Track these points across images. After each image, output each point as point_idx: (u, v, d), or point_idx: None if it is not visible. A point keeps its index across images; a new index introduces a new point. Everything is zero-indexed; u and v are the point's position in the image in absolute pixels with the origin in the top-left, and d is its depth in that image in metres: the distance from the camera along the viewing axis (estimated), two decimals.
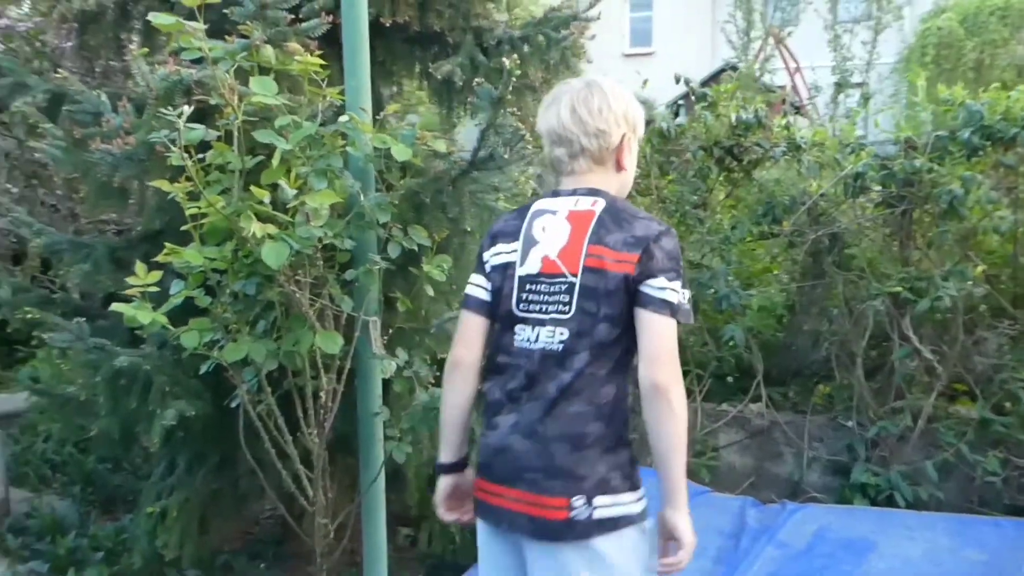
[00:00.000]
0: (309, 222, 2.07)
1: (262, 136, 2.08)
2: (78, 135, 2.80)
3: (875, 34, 10.61)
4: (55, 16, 3.31)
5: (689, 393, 4.35)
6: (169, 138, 2.05)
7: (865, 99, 5.06)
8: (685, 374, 4.17)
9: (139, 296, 2.08)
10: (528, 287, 1.79)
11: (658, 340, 1.65)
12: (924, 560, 3.01)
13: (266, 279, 2.15)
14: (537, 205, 1.85)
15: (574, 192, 1.81)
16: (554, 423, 1.70)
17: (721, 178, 4.44)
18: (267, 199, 2.03)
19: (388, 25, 3.06)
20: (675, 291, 1.67)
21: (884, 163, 3.77)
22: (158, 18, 1.99)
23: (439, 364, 2.73)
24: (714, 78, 12.41)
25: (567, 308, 1.73)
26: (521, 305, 1.78)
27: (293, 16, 2.57)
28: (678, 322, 1.67)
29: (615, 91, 1.82)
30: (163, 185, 2.08)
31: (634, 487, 1.71)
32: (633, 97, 1.85)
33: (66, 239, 3.06)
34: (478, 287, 1.87)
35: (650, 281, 1.67)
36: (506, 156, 2.47)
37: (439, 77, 3.00)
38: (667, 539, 1.68)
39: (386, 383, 2.59)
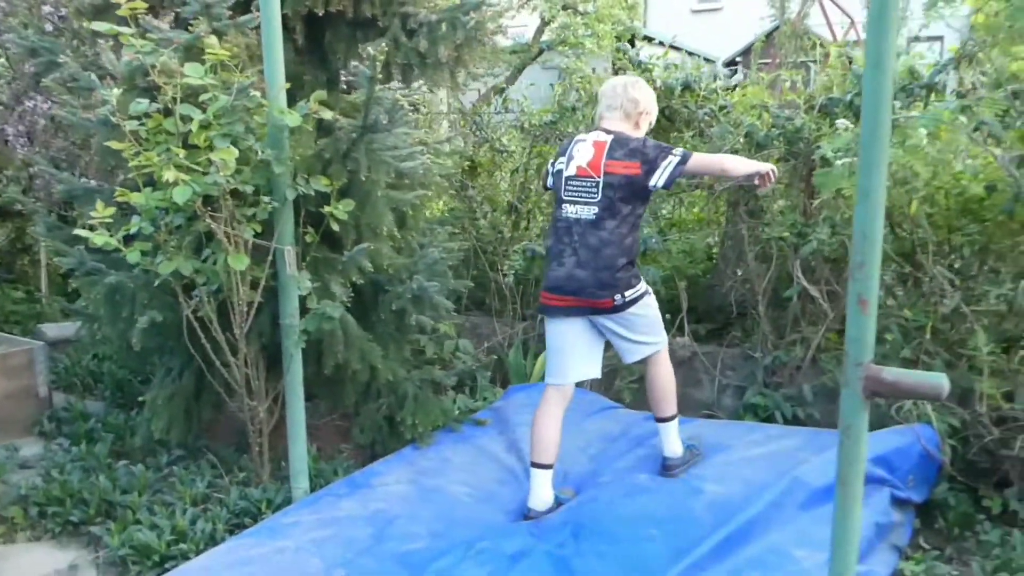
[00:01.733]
0: (218, 172, 2.81)
1: (184, 109, 2.82)
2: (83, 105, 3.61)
3: None
4: (75, 6, 4.11)
5: None
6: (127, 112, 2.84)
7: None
8: None
9: (99, 225, 2.86)
10: (569, 183, 3.36)
11: (703, 165, 3.39)
12: (757, 454, 3.60)
13: (192, 215, 2.91)
14: (578, 136, 3.47)
15: (599, 130, 3.38)
16: (599, 260, 3.24)
17: (658, 136, 5.00)
18: (184, 155, 2.77)
19: (332, 14, 3.75)
20: (672, 158, 3.25)
21: (778, 124, 4.28)
22: (98, 24, 2.74)
23: (353, 286, 3.48)
24: (769, 36, 12.63)
25: (595, 195, 3.28)
26: (566, 193, 3.37)
27: (231, 12, 3.31)
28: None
29: (646, 88, 3.45)
30: (115, 145, 2.85)
31: (640, 282, 3.37)
32: (653, 96, 3.49)
33: (81, 186, 3.89)
34: (546, 178, 3.64)
35: (659, 168, 3.23)
36: (387, 122, 3.14)
37: (367, 56, 3.67)
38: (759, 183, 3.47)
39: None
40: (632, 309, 3.35)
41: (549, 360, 3.55)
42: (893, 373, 1.77)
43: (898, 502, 3.27)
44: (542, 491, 3.34)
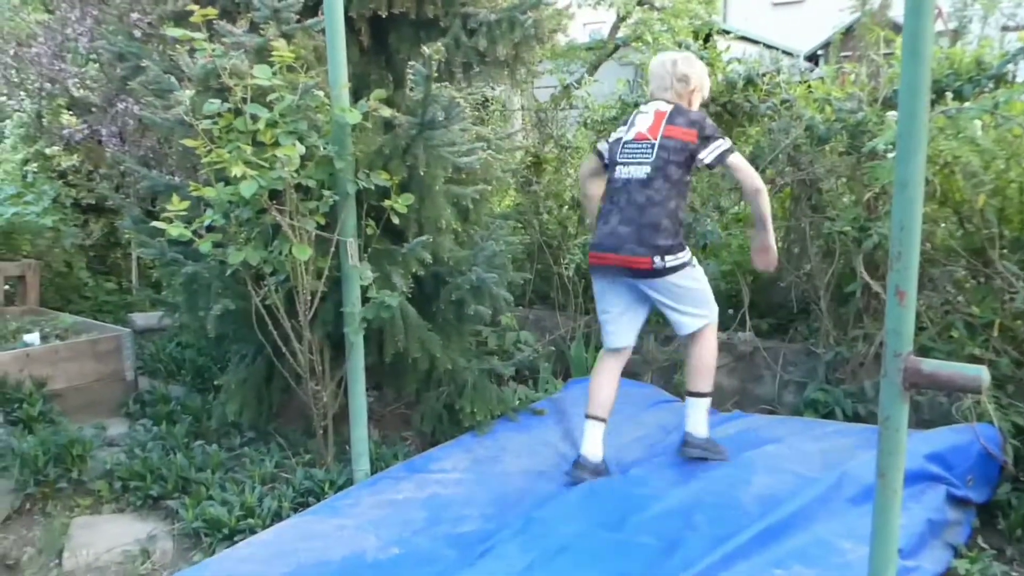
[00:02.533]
0: (283, 168, 2.97)
1: (252, 109, 2.99)
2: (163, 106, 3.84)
3: None
4: (158, 13, 4.37)
5: None
6: (201, 112, 3.03)
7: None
8: None
9: (175, 217, 3.06)
10: (626, 147, 3.52)
11: (742, 166, 3.42)
12: (811, 449, 3.59)
13: (258, 208, 3.08)
14: (640, 108, 3.62)
15: (659, 100, 3.55)
16: (643, 217, 3.35)
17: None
18: (250, 152, 2.94)
19: (395, 15, 3.90)
20: (723, 142, 3.41)
21: (841, 117, 4.24)
22: (172, 30, 2.93)
23: (414, 277, 3.62)
24: (851, 28, 12.36)
25: (649, 156, 3.41)
26: (621, 156, 3.53)
27: (299, 15, 3.48)
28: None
29: (696, 62, 3.58)
30: (188, 142, 3.04)
31: (684, 251, 3.40)
32: (705, 70, 3.63)
33: (163, 181, 4.13)
34: (601, 145, 3.76)
35: (711, 146, 3.38)
36: (443, 119, 3.26)
37: (424, 56, 3.79)
38: (761, 251, 3.54)
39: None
40: (673, 278, 3.40)
41: (602, 325, 3.73)
42: (931, 364, 1.78)
43: (955, 500, 3.23)
44: (592, 441, 3.55)
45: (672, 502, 3.21)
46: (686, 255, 3.43)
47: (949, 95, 3.87)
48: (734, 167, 3.42)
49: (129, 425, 4.37)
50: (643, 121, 3.51)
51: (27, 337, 4.68)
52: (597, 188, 3.79)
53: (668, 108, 3.47)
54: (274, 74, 3.08)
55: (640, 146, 3.47)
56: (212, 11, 3.01)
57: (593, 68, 13.02)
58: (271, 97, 3.07)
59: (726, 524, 2.95)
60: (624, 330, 3.64)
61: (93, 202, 6.80)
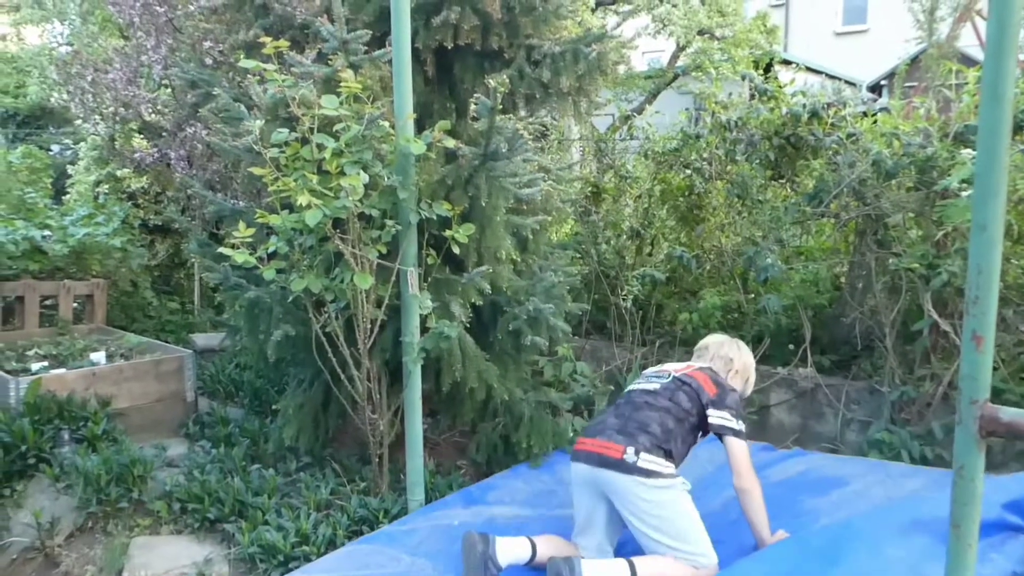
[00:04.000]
0: (348, 197, 3.00)
1: (318, 138, 3.03)
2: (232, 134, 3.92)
3: None
4: (229, 43, 4.47)
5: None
6: (269, 141, 3.08)
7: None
8: (741, 338, 4.79)
9: (241, 244, 3.11)
10: (645, 374, 3.45)
11: (738, 456, 3.10)
12: (878, 494, 3.48)
13: (322, 236, 3.12)
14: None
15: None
16: (635, 416, 3.09)
17: (785, 164, 4.94)
18: (316, 180, 2.98)
19: (460, 46, 3.93)
20: (736, 421, 3.13)
21: (910, 151, 4.15)
22: (245, 62, 2.99)
23: (473, 307, 3.62)
24: (916, 59, 12.14)
25: (665, 379, 3.27)
26: (637, 382, 3.37)
27: (366, 47, 3.53)
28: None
29: (745, 351, 3.55)
30: (256, 171, 3.09)
31: (669, 469, 2.97)
32: (752, 362, 3.56)
33: (228, 207, 4.21)
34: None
35: (723, 411, 3.14)
36: (506, 150, 3.27)
37: (489, 87, 3.81)
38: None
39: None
40: (645, 481, 2.89)
41: None
42: (1010, 413, 1.72)
43: None
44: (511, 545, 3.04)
45: (732, 541, 3.13)
46: (670, 472, 2.95)
47: None
48: (730, 450, 3.06)
49: (188, 446, 4.43)
50: (672, 366, 3.40)
51: (94, 356, 4.79)
52: None
53: (700, 365, 3.34)
54: (341, 104, 3.12)
55: (657, 372, 3.36)
56: (283, 43, 3.07)
57: (652, 96, 13.01)
58: (338, 127, 3.10)
59: (790, 568, 2.86)
60: (585, 535, 3.14)
61: (159, 223, 6.98)
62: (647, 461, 2.92)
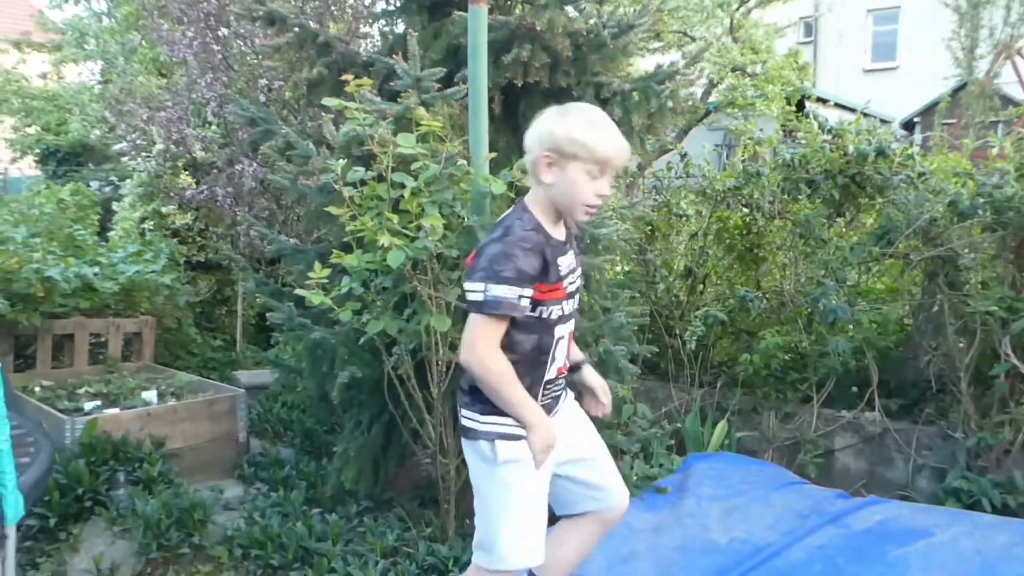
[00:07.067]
0: (427, 237, 2.94)
1: (397, 177, 2.98)
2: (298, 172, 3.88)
3: None
4: (292, 80, 4.45)
5: (807, 399, 4.82)
6: (345, 179, 3.03)
7: None
8: (803, 381, 4.67)
9: (316, 285, 3.04)
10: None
11: (470, 328, 2.16)
12: (966, 547, 3.34)
13: (400, 277, 3.05)
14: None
15: None
16: None
17: (848, 203, 4.85)
18: (396, 220, 2.91)
19: (529, 84, 3.88)
20: (474, 291, 2.13)
21: (985, 192, 4.05)
22: (329, 101, 2.95)
23: None
24: (954, 94, 12.08)
25: None
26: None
27: (440, 85, 3.49)
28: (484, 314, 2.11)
29: (543, 119, 2.23)
30: (333, 210, 3.04)
31: (494, 409, 2.21)
32: (559, 123, 2.17)
33: (289, 245, 4.16)
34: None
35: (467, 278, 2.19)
36: None
37: None
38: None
39: None
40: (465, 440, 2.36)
41: None
42: None
43: None
44: None
45: None
46: (488, 426, 2.25)
47: None
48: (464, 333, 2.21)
49: (243, 488, 4.34)
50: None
51: (145, 395, 4.73)
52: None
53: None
54: (417, 142, 3.07)
55: None
56: (367, 81, 3.03)
57: (683, 133, 12.99)
58: (415, 166, 3.04)
59: None
60: None
61: (202, 260, 6.96)
62: (466, 417, 2.32)
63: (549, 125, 2.20)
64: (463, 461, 3.57)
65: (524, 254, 2.12)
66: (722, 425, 4.71)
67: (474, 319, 2.16)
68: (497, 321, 2.14)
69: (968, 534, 3.49)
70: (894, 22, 23.69)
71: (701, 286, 5.59)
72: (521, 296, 2.13)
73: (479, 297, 2.12)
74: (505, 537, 2.25)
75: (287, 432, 5.31)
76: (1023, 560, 3.16)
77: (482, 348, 2.15)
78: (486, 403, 2.22)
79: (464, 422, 2.33)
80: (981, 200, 4.03)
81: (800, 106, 13.21)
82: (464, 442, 2.36)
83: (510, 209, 2.35)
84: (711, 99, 13.21)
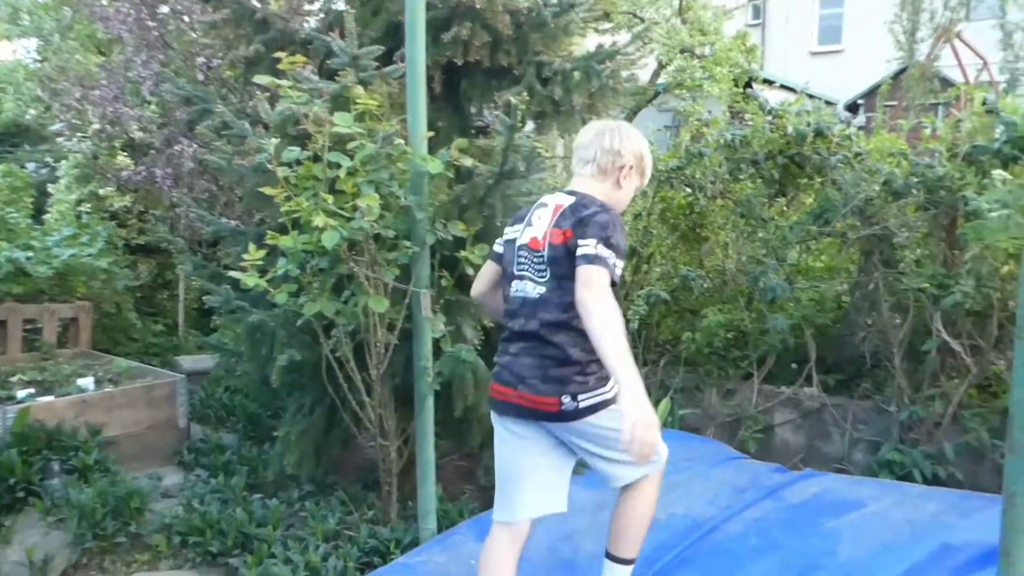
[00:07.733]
0: (363, 218, 2.91)
1: (333, 157, 2.94)
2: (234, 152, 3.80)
3: None
4: (230, 58, 4.35)
5: (748, 376, 4.89)
6: (279, 159, 2.98)
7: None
8: (744, 358, 4.69)
9: (252, 267, 2.99)
10: (520, 255, 2.52)
11: (584, 275, 2.27)
12: (897, 517, 3.43)
13: (336, 258, 3.01)
14: (540, 200, 2.59)
15: (564, 192, 2.53)
16: (546, 348, 2.40)
17: (788, 183, 4.92)
18: (331, 201, 2.88)
19: (470, 63, 3.85)
20: (605, 250, 2.28)
21: (918, 171, 4.13)
22: (262, 78, 2.89)
23: (484, 329, 3.53)
24: (896, 77, 12.28)
25: (544, 272, 2.43)
26: (516, 267, 2.53)
27: (379, 63, 3.44)
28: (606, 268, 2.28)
29: (630, 133, 2.58)
30: (267, 191, 2.99)
31: (604, 384, 2.41)
32: (641, 144, 2.57)
33: (228, 227, 4.09)
34: (497, 247, 2.72)
35: (580, 242, 2.31)
36: (523, 169, 3.19)
37: (499, 104, 3.74)
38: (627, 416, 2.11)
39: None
40: (593, 419, 2.44)
41: (497, 486, 2.70)
42: None
43: None
44: None
45: (754, 571, 3.06)
46: (607, 388, 2.44)
47: None
48: (585, 278, 2.29)
49: (184, 475, 4.29)
50: (541, 220, 2.50)
51: (81, 382, 4.63)
52: (500, 302, 2.71)
53: (568, 201, 2.46)
54: (354, 122, 3.03)
55: (533, 257, 2.48)
56: (300, 58, 2.98)
57: (632, 114, 13.03)
58: (351, 145, 3.01)
59: None
60: (531, 492, 2.59)
61: (142, 243, 6.82)
62: (586, 398, 2.44)
63: (640, 141, 2.59)
64: (404, 442, 3.59)
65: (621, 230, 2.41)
66: (665, 403, 4.75)
67: (600, 272, 2.27)
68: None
69: (899, 504, 3.57)
70: (840, 5, 23.98)
71: (646, 266, 5.62)
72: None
73: (604, 252, 2.29)
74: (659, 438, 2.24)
75: (230, 417, 5.24)
76: (950, 527, 3.24)
77: (609, 295, 2.27)
78: (594, 374, 2.41)
79: (591, 401, 2.42)
80: (915, 179, 4.11)
81: (748, 87, 13.32)
82: (596, 416, 2.44)
83: (585, 198, 2.47)
84: (660, 80, 13.28)
